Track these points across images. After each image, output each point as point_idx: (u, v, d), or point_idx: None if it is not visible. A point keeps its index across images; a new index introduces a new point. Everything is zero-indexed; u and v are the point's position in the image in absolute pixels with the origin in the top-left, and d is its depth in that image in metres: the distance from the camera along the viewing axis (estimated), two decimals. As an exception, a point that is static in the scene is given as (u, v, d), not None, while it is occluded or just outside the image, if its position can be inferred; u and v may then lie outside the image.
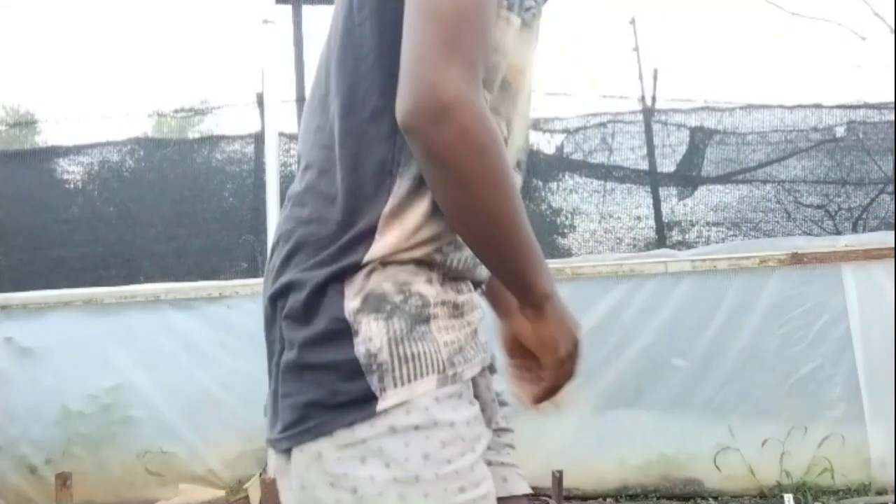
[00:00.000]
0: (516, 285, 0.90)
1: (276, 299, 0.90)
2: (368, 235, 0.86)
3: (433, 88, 0.77)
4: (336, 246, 0.87)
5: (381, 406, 0.82)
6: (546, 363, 0.94)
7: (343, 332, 0.84)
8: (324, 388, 0.83)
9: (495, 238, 0.85)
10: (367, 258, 0.86)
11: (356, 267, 0.86)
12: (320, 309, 0.85)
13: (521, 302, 0.92)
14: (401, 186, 0.87)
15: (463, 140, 0.78)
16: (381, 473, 0.81)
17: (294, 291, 0.87)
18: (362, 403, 0.82)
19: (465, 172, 0.80)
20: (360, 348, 0.83)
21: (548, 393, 0.96)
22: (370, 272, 0.86)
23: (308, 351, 0.85)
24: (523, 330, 0.95)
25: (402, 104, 0.79)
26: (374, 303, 0.85)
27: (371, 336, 0.83)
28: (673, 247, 4.23)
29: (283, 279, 0.90)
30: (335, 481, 0.82)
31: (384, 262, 0.86)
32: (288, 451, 0.86)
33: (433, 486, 0.82)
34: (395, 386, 0.82)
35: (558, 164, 4.71)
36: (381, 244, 0.86)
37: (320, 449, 0.82)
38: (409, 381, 0.83)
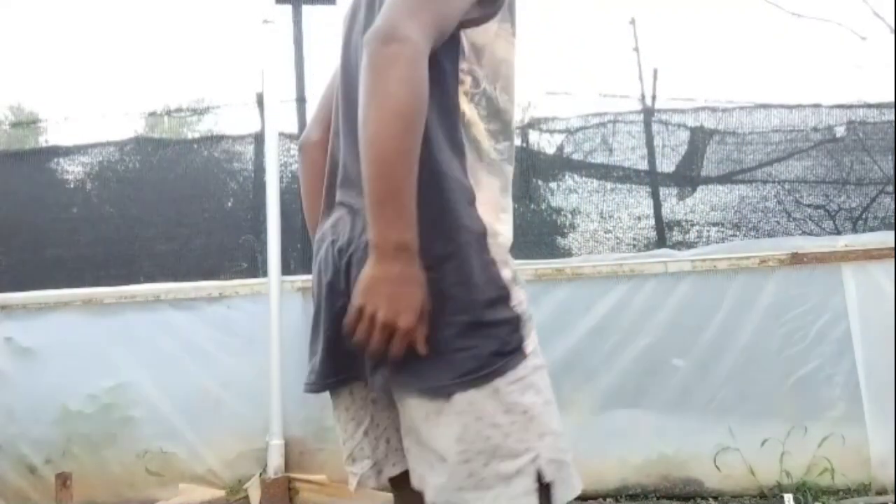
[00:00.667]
0: (370, 214, 1.05)
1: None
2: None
3: (394, 24, 1.05)
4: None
5: (527, 351, 1.12)
6: (350, 303, 1.08)
7: (505, 297, 1.12)
8: (499, 339, 1.10)
9: (377, 156, 1.03)
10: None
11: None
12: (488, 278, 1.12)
13: (370, 236, 1.06)
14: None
15: (398, 62, 1.03)
16: (536, 399, 1.11)
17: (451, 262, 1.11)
18: (519, 351, 1.11)
19: (387, 88, 1.02)
20: (517, 308, 1.12)
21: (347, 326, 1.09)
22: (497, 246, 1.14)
23: (486, 311, 1.10)
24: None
25: (370, 30, 1.07)
26: (512, 273, 1.14)
27: (521, 300, 1.14)
28: (673, 247, 4.23)
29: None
30: (509, 408, 1.09)
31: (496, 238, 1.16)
32: (449, 395, 1.08)
33: (554, 405, 1.15)
34: (528, 337, 1.13)
35: (558, 164, 4.70)
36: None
37: (497, 386, 1.08)
38: (530, 333, 1.14)
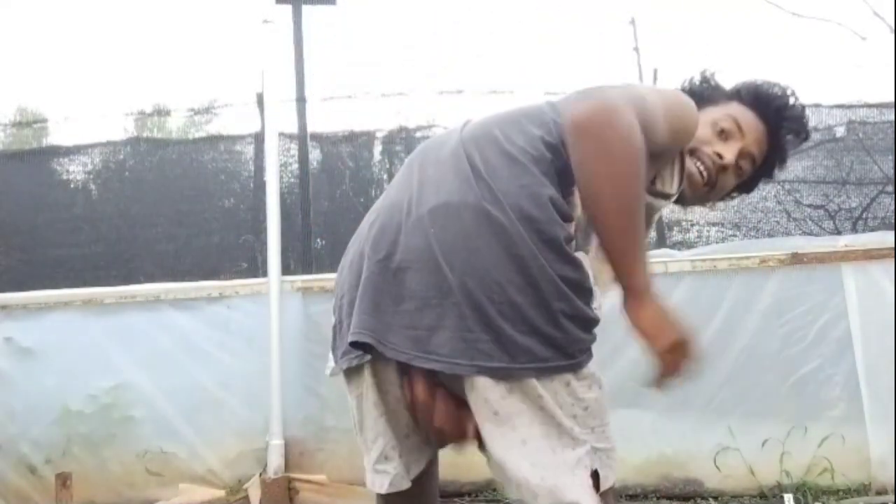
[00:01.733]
0: (621, 265, 1.19)
1: None
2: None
3: (601, 96, 1.18)
4: None
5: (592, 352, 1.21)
6: (650, 353, 1.23)
7: (591, 297, 1.21)
8: (580, 337, 1.20)
9: (620, 206, 1.14)
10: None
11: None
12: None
13: (621, 286, 1.21)
14: None
15: (618, 126, 1.13)
16: (598, 394, 1.22)
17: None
18: (590, 351, 1.22)
19: (612, 148, 1.13)
20: (598, 310, 1.21)
21: (658, 379, 1.27)
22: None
23: (581, 306, 1.19)
24: (628, 317, 1.26)
25: (573, 101, 1.21)
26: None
27: (600, 303, 1.24)
28: (673, 247, 4.23)
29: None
30: (576, 401, 1.18)
31: None
32: (518, 378, 1.14)
33: (605, 399, 1.25)
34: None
35: (558, 164, 4.70)
36: None
37: (568, 379, 1.17)
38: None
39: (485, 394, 1.13)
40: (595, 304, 1.21)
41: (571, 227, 1.19)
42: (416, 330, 1.15)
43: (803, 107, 1.49)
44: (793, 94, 1.49)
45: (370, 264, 1.20)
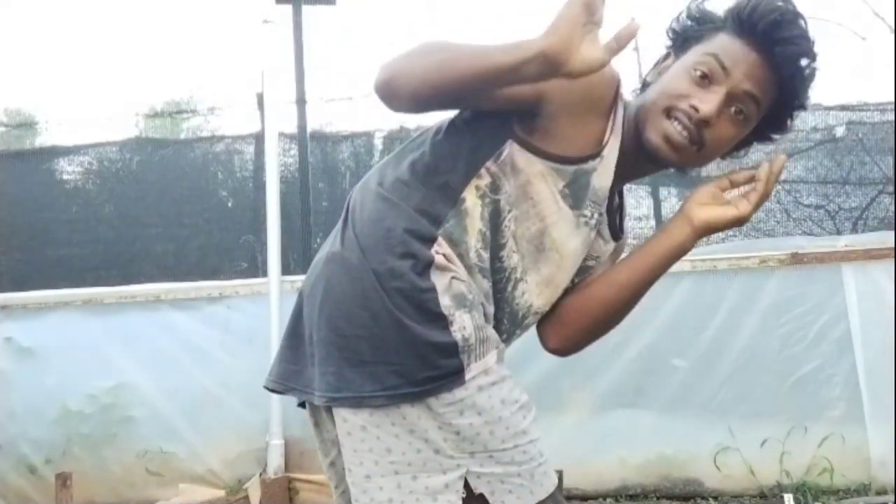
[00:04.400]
0: (505, 74, 1.04)
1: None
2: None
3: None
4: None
5: (468, 376, 1.10)
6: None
7: (442, 323, 1.11)
8: (430, 363, 1.10)
9: (457, 77, 1.07)
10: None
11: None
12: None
13: (527, 71, 1.02)
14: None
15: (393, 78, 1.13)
16: (475, 419, 1.10)
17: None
18: (455, 375, 1.10)
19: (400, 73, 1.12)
20: (457, 334, 1.11)
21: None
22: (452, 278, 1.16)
23: (419, 333, 1.11)
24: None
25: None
26: (459, 300, 1.14)
27: (465, 325, 1.12)
28: (673, 247, 4.22)
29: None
30: (442, 426, 1.10)
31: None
32: (376, 406, 1.11)
33: (511, 418, 1.12)
34: (476, 360, 1.11)
35: (558, 165, 4.70)
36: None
37: (430, 405, 1.09)
38: (482, 355, 1.12)
39: (345, 426, 1.14)
40: (455, 328, 1.11)
41: (444, 247, 1.15)
42: (292, 365, 1.26)
43: (802, 20, 1.19)
44: (787, 6, 1.18)
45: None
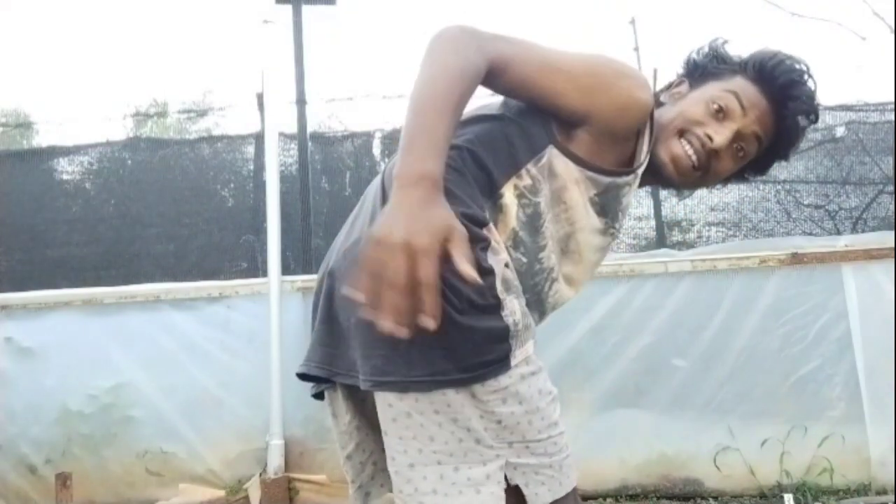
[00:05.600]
0: (400, 151, 1.05)
1: None
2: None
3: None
4: None
5: (513, 362, 1.10)
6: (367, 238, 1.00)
7: (495, 306, 1.11)
8: (481, 347, 1.09)
9: (413, 96, 1.08)
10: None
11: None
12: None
13: (395, 172, 1.04)
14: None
15: (443, 39, 1.13)
16: (517, 409, 1.11)
17: None
18: (503, 361, 1.10)
19: (430, 57, 1.11)
20: (508, 319, 1.11)
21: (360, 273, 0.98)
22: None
23: (473, 317, 1.10)
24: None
25: None
26: (509, 285, 1.14)
27: (514, 310, 1.12)
28: (673, 247, 4.23)
29: None
30: (484, 415, 1.09)
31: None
32: (421, 391, 1.09)
33: (546, 409, 1.14)
34: (520, 346, 1.12)
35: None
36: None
37: (475, 391, 1.09)
38: (524, 342, 1.13)
39: (389, 412, 1.12)
40: (507, 312, 1.11)
41: (494, 233, 1.15)
42: (332, 349, 1.21)
43: (814, 83, 1.31)
44: (805, 69, 1.31)
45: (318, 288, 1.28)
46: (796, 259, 3.56)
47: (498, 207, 1.19)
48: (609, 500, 3.55)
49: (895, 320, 3.38)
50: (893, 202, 4.35)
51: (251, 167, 4.59)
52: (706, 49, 1.39)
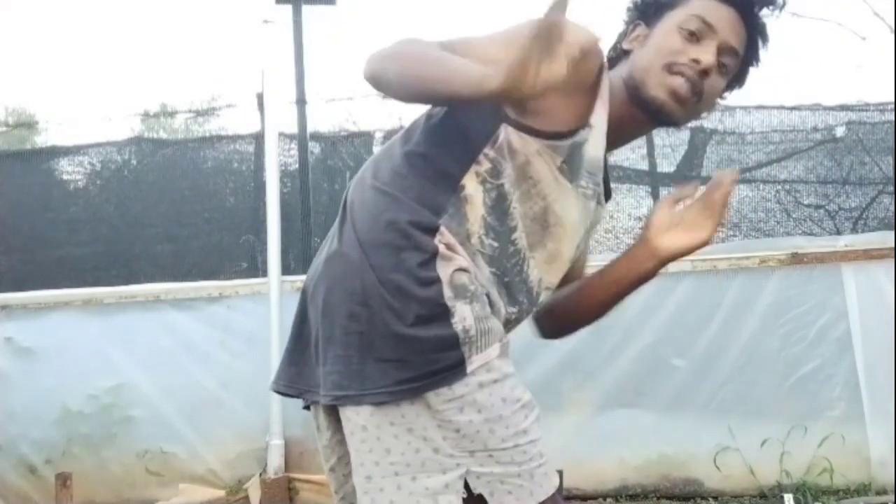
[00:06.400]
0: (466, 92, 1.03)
1: None
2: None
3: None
4: None
5: (468, 369, 1.10)
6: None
7: (441, 315, 1.10)
8: (429, 357, 1.10)
9: (410, 85, 1.10)
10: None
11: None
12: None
13: (483, 92, 1.01)
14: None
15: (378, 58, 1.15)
16: (475, 417, 1.09)
17: None
18: (456, 369, 1.09)
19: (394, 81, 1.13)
20: (457, 326, 1.10)
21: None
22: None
23: (418, 327, 1.11)
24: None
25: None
26: (460, 291, 1.12)
27: (465, 317, 1.11)
28: (673, 247, 4.22)
29: None
30: (441, 424, 1.09)
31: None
32: (376, 404, 1.10)
33: (511, 417, 1.11)
34: (477, 353, 1.11)
35: (558, 165, 4.70)
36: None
37: (429, 402, 1.09)
38: (482, 348, 1.11)
39: (348, 426, 1.14)
40: (456, 320, 1.10)
41: (447, 236, 1.15)
42: (300, 367, 1.26)
43: None
44: None
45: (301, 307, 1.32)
46: (796, 259, 3.56)
47: (463, 199, 1.18)
48: (609, 500, 3.55)
49: (895, 320, 3.38)
50: (893, 202, 4.35)
51: (251, 167, 4.59)
52: None
